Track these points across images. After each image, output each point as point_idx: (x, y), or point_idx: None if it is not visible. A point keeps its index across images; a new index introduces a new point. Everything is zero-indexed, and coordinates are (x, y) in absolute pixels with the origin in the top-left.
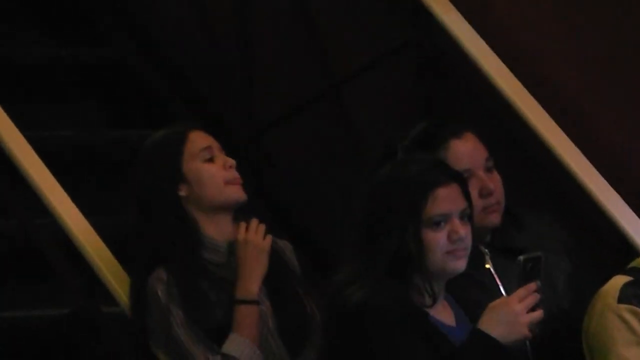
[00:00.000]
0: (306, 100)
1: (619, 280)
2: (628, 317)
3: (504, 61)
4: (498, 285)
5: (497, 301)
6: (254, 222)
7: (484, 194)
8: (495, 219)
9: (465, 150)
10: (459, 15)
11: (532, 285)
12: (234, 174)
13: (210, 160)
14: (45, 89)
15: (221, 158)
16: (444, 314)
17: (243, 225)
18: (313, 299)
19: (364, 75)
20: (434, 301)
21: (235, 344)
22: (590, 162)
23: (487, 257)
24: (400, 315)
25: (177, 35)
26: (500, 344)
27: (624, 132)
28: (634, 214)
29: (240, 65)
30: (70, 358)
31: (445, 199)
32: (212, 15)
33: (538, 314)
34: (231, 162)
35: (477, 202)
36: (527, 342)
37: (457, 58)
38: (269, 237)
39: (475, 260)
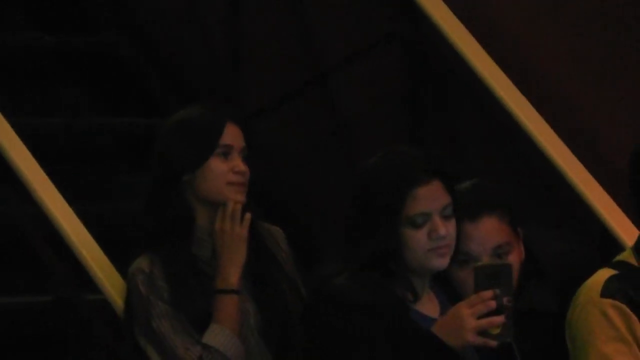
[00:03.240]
0: (294, 89)
1: (604, 274)
2: (610, 312)
3: (488, 52)
4: (514, 350)
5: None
6: (230, 208)
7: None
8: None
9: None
10: (446, 7)
11: (488, 293)
12: (239, 179)
13: (224, 156)
14: (33, 75)
15: (235, 160)
16: (428, 306)
17: (220, 213)
18: (298, 293)
19: (351, 65)
20: (415, 296)
21: (215, 334)
22: (572, 150)
23: None
24: (374, 310)
25: (165, 23)
26: (448, 347)
27: (605, 119)
28: (614, 204)
29: (229, 53)
30: (53, 345)
31: (425, 198)
32: (201, 3)
33: (486, 321)
34: (241, 169)
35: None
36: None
37: (444, 49)
38: (246, 225)
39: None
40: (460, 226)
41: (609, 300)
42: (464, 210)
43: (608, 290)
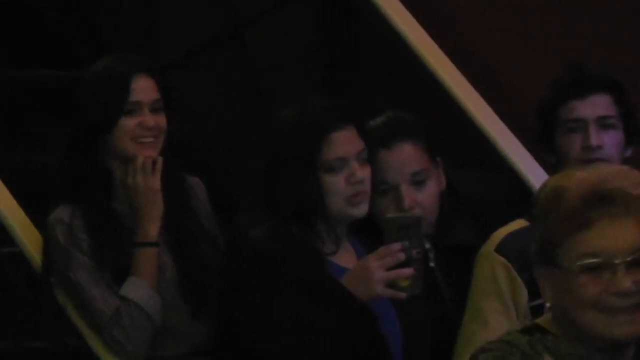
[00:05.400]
0: (210, 42)
1: (513, 226)
2: (498, 270)
3: (405, 5)
4: (440, 285)
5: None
6: (139, 162)
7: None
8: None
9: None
10: None
11: (397, 245)
12: (146, 134)
13: (133, 112)
14: None
15: (144, 115)
16: (345, 258)
17: (131, 168)
18: (216, 245)
19: (268, 17)
20: (332, 247)
21: (133, 286)
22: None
23: (431, 256)
24: (289, 262)
25: None
26: (357, 299)
27: (520, 69)
28: (528, 153)
29: (143, 5)
30: None
31: (341, 143)
32: None
33: (394, 273)
34: (149, 124)
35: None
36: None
37: (361, 1)
38: (158, 174)
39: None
40: (377, 156)
41: (500, 258)
42: (379, 140)
43: (503, 247)
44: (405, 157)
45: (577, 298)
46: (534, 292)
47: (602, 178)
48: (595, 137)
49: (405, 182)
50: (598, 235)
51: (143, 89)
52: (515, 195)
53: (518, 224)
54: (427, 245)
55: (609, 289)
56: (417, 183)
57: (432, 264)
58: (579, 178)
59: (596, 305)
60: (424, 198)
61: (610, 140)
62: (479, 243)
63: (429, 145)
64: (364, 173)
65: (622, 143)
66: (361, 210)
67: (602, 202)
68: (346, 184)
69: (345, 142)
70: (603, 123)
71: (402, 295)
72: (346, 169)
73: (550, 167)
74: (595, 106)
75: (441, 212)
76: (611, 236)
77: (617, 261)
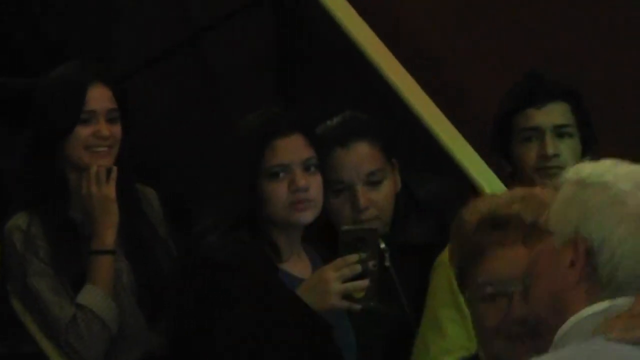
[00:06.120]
0: (166, 49)
1: None
2: (454, 279)
3: (356, 10)
4: (395, 284)
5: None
6: (93, 171)
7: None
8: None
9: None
10: None
11: (353, 257)
12: (99, 143)
13: (87, 122)
14: None
15: (99, 124)
16: (298, 266)
17: (85, 178)
18: (170, 253)
19: (224, 25)
20: (281, 255)
21: (89, 294)
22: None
23: (387, 255)
24: (241, 271)
25: None
26: (312, 310)
27: (474, 74)
28: (478, 156)
29: (99, 12)
30: None
31: (284, 150)
32: None
33: (351, 285)
34: (103, 134)
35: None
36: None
37: (313, 9)
38: (112, 183)
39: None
40: (333, 155)
41: None
42: (335, 139)
43: None
44: (361, 156)
45: (482, 327)
46: None
47: (498, 205)
48: (552, 146)
49: (361, 181)
50: (491, 263)
51: (98, 98)
52: (470, 198)
53: None
54: (382, 245)
55: (507, 317)
56: (373, 183)
57: (387, 264)
58: (476, 207)
59: (499, 334)
60: (379, 198)
61: (566, 149)
62: (433, 243)
63: (386, 146)
64: (308, 181)
65: (579, 151)
66: (305, 217)
67: (494, 228)
68: (288, 191)
69: (288, 149)
70: (559, 132)
71: (357, 307)
72: (289, 176)
73: (506, 176)
74: (552, 114)
75: (396, 213)
76: (504, 264)
77: (511, 289)
